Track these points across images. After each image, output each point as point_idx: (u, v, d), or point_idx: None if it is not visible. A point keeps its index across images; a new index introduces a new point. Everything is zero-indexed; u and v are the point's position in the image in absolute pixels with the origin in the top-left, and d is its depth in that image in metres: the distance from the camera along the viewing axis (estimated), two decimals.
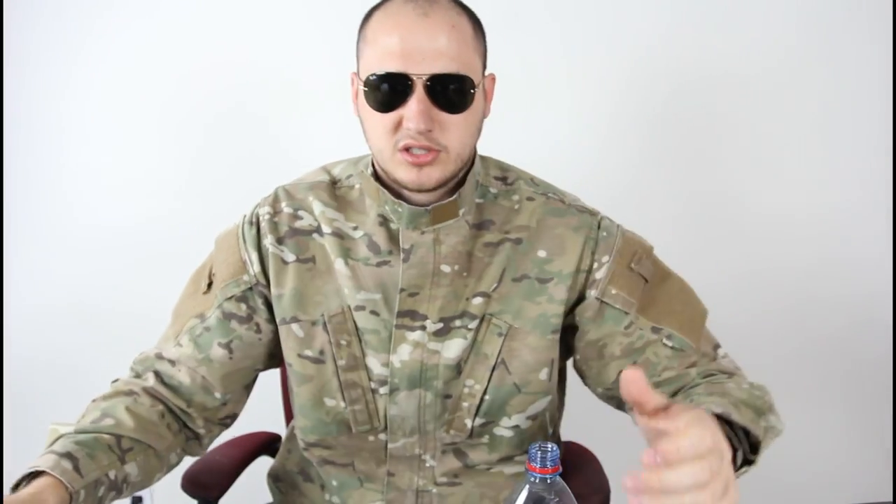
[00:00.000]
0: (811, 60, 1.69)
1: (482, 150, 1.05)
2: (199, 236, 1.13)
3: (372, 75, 0.87)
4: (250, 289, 0.99)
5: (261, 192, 1.05)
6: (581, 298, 0.99)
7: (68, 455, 0.83)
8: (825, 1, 1.66)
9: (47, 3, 1.56)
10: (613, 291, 0.97)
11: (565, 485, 0.73)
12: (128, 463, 0.89)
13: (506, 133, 1.47)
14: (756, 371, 1.81)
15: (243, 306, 1.00)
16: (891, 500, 1.82)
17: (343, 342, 0.97)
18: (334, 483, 1.04)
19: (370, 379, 0.97)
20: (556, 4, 1.62)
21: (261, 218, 1.00)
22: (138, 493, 1.30)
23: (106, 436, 0.89)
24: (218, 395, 1.01)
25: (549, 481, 0.71)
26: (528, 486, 0.71)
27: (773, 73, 1.69)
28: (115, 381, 1.02)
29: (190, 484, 1.15)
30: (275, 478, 1.15)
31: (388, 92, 0.86)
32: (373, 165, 0.97)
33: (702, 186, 1.75)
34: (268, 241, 0.99)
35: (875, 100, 1.71)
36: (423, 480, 1.01)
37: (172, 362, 1.00)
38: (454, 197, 0.94)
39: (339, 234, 0.99)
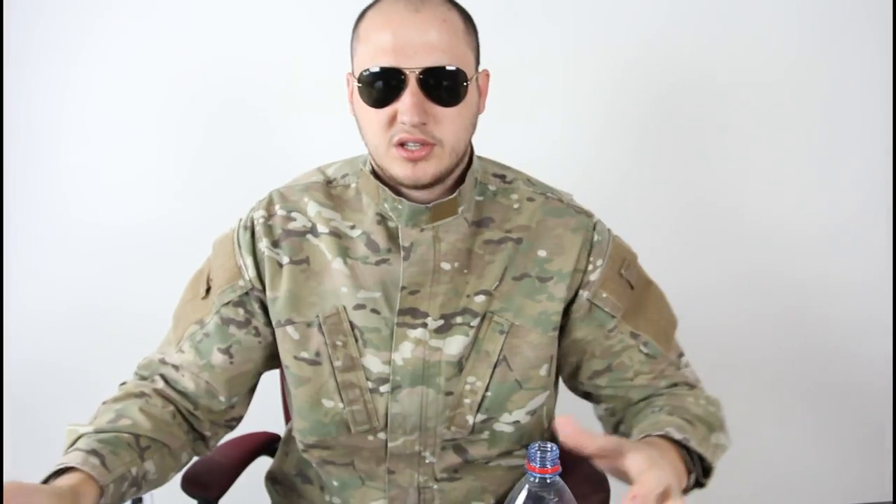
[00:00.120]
0: (810, 60, 1.69)
1: (480, 150, 1.05)
2: (199, 236, 1.13)
3: (365, 71, 0.88)
4: (246, 293, 1.00)
5: (260, 192, 1.05)
6: (573, 297, 1.00)
7: (94, 452, 0.86)
8: (824, 1, 1.66)
9: (47, 3, 1.56)
10: (604, 295, 1.00)
11: (565, 484, 0.73)
12: (147, 461, 0.92)
13: (505, 132, 1.47)
14: (756, 371, 1.83)
15: (241, 311, 1.00)
16: (891, 500, 1.81)
17: (339, 343, 0.97)
18: (335, 483, 1.05)
19: (368, 378, 0.97)
20: (556, 5, 1.62)
21: (255, 222, 1.01)
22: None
23: (125, 435, 0.91)
24: (223, 398, 1.02)
25: (548, 481, 0.71)
26: (527, 486, 0.72)
27: (772, 74, 1.68)
28: (123, 384, 1.03)
29: (190, 484, 1.15)
30: (273, 480, 1.15)
31: (381, 87, 0.87)
32: (371, 164, 0.97)
33: (699, 187, 1.74)
34: (263, 244, 0.99)
35: (875, 101, 1.71)
36: (423, 477, 1.01)
37: (176, 367, 1.01)
38: (454, 195, 0.94)
39: (336, 234, 0.99)
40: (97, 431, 0.90)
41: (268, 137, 1.64)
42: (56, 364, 1.69)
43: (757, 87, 1.69)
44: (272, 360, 1.05)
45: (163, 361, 1.02)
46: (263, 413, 1.29)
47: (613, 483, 1.14)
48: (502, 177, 1.03)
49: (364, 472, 1.02)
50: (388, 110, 0.88)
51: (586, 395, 1.09)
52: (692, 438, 0.89)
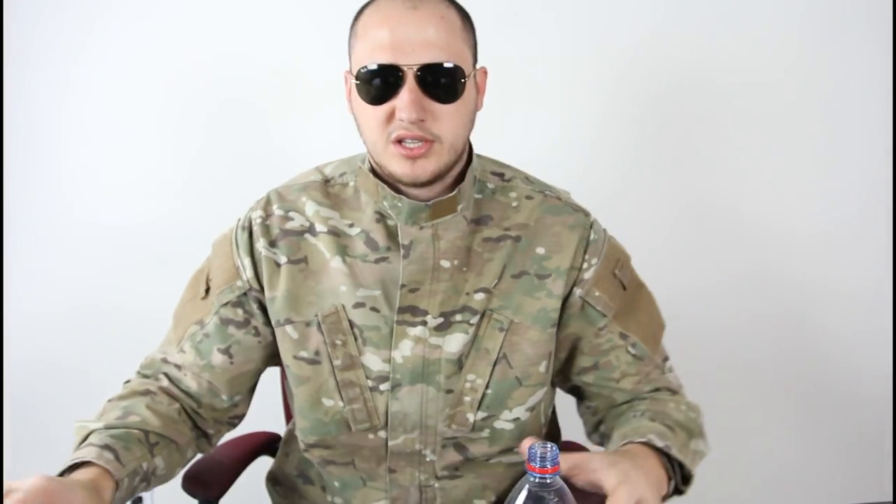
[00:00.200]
0: (810, 60, 1.69)
1: (480, 149, 1.05)
2: (199, 236, 1.13)
3: (363, 68, 0.88)
4: (244, 294, 1.00)
5: (260, 192, 1.05)
6: (568, 293, 1.01)
7: (107, 447, 0.87)
8: (824, 1, 1.66)
9: (47, 3, 1.56)
10: (597, 293, 1.01)
11: (564, 484, 0.73)
12: (156, 456, 0.93)
13: (505, 132, 1.47)
14: (756, 371, 1.83)
15: (240, 311, 1.01)
16: (891, 500, 1.82)
17: (338, 342, 0.97)
18: (336, 484, 1.05)
19: (368, 377, 0.97)
20: (556, 5, 1.62)
21: (253, 222, 1.01)
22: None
23: (135, 431, 0.92)
24: (225, 397, 1.03)
25: (548, 481, 0.71)
26: (527, 486, 0.72)
27: (773, 74, 1.69)
28: (127, 382, 1.04)
29: (190, 484, 1.15)
30: (273, 481, 1.15)
31: (379, 84, 0.87)
32: (370, 162, 0.97)
33: (698, 187, 1.75)
34: (260, 244, 1.00)
35: (875, 101, 1.71)
36: (424, 475, 1.01)
37: (178, 367, 1.02)
38: (454, 192, 0.94)
39: (335, 232, 0.99)
40: (107, 427, 0.91)
41: (268, 137, 1.65)
42: (56, 364, 1.69)
43: (757, 87, 1.69)
44: (273, 359, 1.05)
45: (165, 361, 1.03)
46: (264, 413, 1.29)
47: None
48: (501, 175, 1.03)
49: (365, 472, 1.02)
50: (385, 107, 0.88)
51: (572, 391, 1.10)
52: (673, 446, 0.90)
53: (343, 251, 0.98)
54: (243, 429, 1.24)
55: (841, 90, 1.70)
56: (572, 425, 1.18)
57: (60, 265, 1.66)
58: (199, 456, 1.13)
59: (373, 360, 0.97)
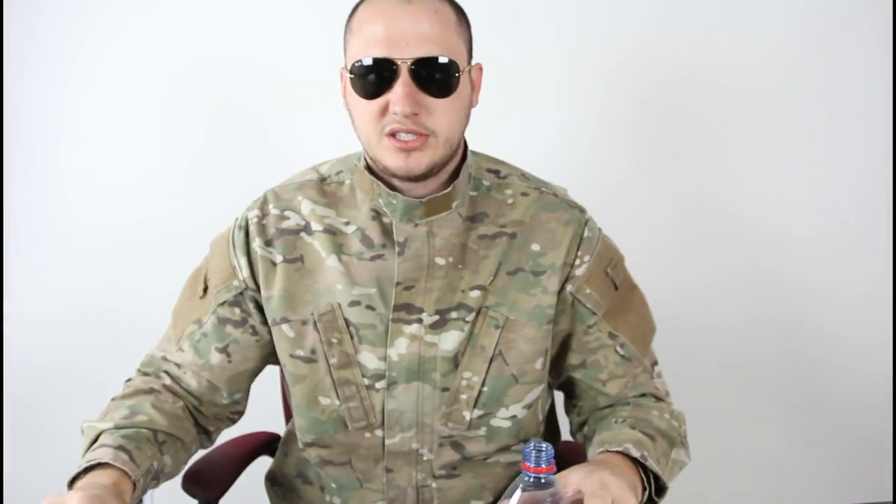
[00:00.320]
0: (810, 61, 1.69)
1: (478, 147, 1.05)
2: (199, 236, 1.13)
3: (357, 62, 0.88)
4: (241, 293, 1.01)
5: (260, 192, 1.05)
6: (560, 290, 1.01)
7: (121, 448, 0.88)
8: (824, 1, 1.66)
9: (47, 3, 1.56)
10: (587, 291, 1.00)
11: (559, 484, 0.73)
12: (165, 455, 0.94)
13: (504, 131, 1.47)
14: (756, 371, 1.83)
15: (237, 310, 1.01)
16: (891, 499, 1.82)
17: (334, 340, 0.98)
18: (333, 485, 1.05)
19: (364, 375, 0.98)
20: (555, 4, 1.62)
21: (249, 221, 1.01)
22: None
23: (144, 430, 0.93)
24: (225, 394, 1.04)
25: (543, 480, 0.71)
26: (522, 485, 0.72)
27: (772, 74, 1.68)
28: (129, 380, 1.04)
29: (190, 483, 1.15)
30: (272, 481, 1.15)
31: (373, 78, 0.88)
32: (365, 159, 0.97)
33: (698, 188, 1.74)
34: (256, 244, 1.00)
35: (875, 102, 1.71)
36: (421, 475, 1.01)
37: (178, 365, 1.03)
38: (449, 189, 0.94)
39: (331, 231, 0.99)
40: (117, 428, 0.92)
41: (267, 137, 1.64)
42: (56, 364, 1.69)
43: (757, 87, 1.69)
44: (271, 358, 1.06)
45: (165, 359, 1.04)
46: (264, 413, 1.29)
47: None
48: (496, 172, 1.03)
49: (362, 473, 1.02)
50: (380, 101, 0.88)
51: (562, 387, 1.10)
52: (650, 456, 0.90)
53: (338, 249, 0.98)
54: (243, 429, 1.24)
55: (841, 90, 1.70)
56: None
57: (60, 265, 1.66)
58: (198, 456, 1.13)
59: (369, 358, 0.97)
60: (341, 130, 1.07)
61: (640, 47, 1.66)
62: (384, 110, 0.88)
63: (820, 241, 1.76)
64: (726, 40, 1.66)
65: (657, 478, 0.90)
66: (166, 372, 1.03)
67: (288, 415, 1.37)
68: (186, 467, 1.14)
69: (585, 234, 1.01)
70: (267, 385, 1.28)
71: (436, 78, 0.87)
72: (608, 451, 0.90)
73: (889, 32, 1.67)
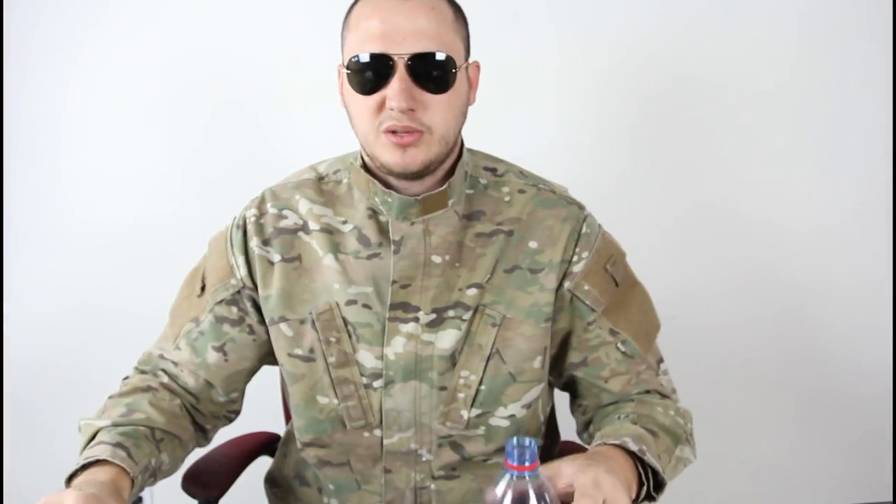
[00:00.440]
0: (810, 59, 1.69)
1: (478, 147, 1.05)
2: (198, 234, 1.13)
3: (354, 57, 0.88)
4: (238, 292, 1.01)
5: (259, 191, 1.05)
6: (558, 287, 1.00)
7: (119, 445, 0.88)
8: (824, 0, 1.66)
9: (47, 3, 1.56)
10: (586, 287, 1.00)
11: (546, 479, 0.72)
12: (162, 452, 0.94)
13: (504, 130, 1.47)
14: (756, 370, 1.83)
15: (234, 309, 1.01)
16: (891, 499, 1.82)
17: (332, 339, 0.97)
18: (331, 487, 1.04)
19: (362, 374, 0.98)
20: (555, 4, 1.62)
21: (247, 220, 1.01)
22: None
23: (142, 428, 0.93)
24: (221, 392, 1.03)
25: (527, 477, 0.70)
26: (508, 482, 0.70)
27: (772, 73, 1.68)
28: (126, 378, 1.04)
29: (190, 483, 1.15)
30: (271, 482, 1.15)
31: (370, 73, 0.87)
32: (362, 158, 0.97)
33: (698, 186, 1.74)
34: (253, 243, 1.00)
35: (875, 100, 1.71)
36: (420, 475, 1.01)
37: (175, 364, 1.03)
38: (444, 187, 0.94)
39: (328, 230, 0.99)
40: (115, 425, 0.92)
41: (267, 137, 1.65)
42: (56, 363, 1.69)
43: (756, 87, 1.69)
44: (268, 357, 1.06)
45: (162, 357, 1.04)
46: (263, 413, 1.29)
47: None
48: (493, 170, 1.03)
49: (360, 474, 1.02)
50: (376, 97, 0.88)
51: (566, 387, 1.09)
52: (648, 451, 0.88)
53: (335, 248, 0.98)
54: (243, 429, 1.24)
55: (840, 88, 1.70)
56: (573, 426, 1.18)
57: (60, 264, 1.67)
58: (198, 456, 1.13)
59: (366, 357, 0.97)
60: (340, 130, 1.08)
61: (639, 47, 1.66)
62: (381, 106, 0.88)
63: (820, 240, 1.76)
64: (725, 40, 1.66)
65: (656, 473, 0.88)
66: (163, 370, 1.03)
67: (288, 415, 1.37)
68: (186, 467, 1.15)
69: (584, 230, 1.01)
70: (267, 385, 1.28)
71: (432, 73, 0.87)
72: (606, 443, 0.89)
73: (889, 31, 1.67)
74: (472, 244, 0.98)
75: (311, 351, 0.98)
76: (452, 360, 0.97)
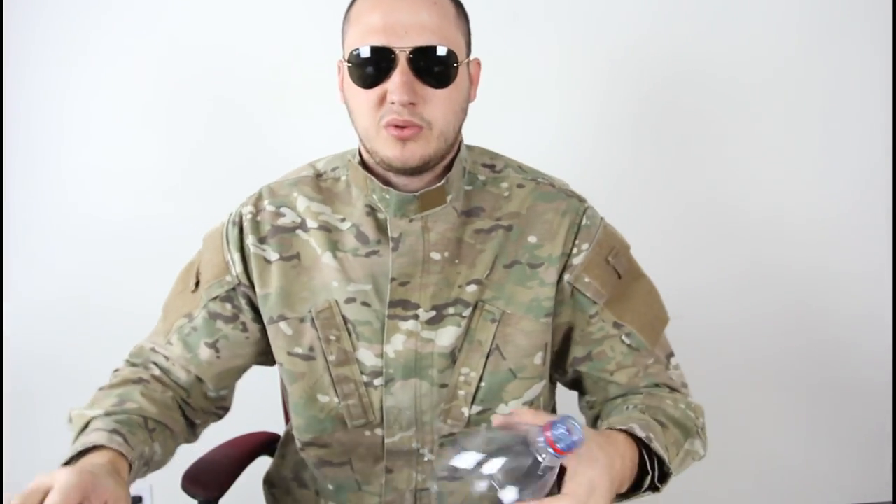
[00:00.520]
0: (810, 56, 1.69)
1: (479, 145, 1.05)
2: (198, 232, 1.13)
3: (355, 51, 0.87)
4: (233, 289, 1.00)
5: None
6: (558, 280, 0.99)
7: (115, 431, 0.87)
8: None
9: (47, 3, 1.56)
10: (586, 280, 0.98)
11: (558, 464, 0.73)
12: (155, 442, 0.93)
13: (504, 130, 1.47)
14: (756, 369, 1.82)
15: (228, 306, 1.01)
16: (891, 500, 1.82)
17: (332, 337, 0.97)
18: (330, 487, 1.04)
19: (362, 372, 0.97)
20: (555, 4, 1.62)
21: (243, 217, 1.01)
22: (137, 494, 1.29)
23: (135, 417, 0.92)
24: (212, 388, 1.03)
25: (558, 458, 0.71)
26: (533, 447, 0.71)
27: (773, 70, 1.69)
28: (117, 370, 1.04)
29: (190, 484, 1.15)
30: (269, 484, 1.15)
31: (371, 67, 0.87)
32: (360, 154, 0.97)
33: (698, 183, 1.75)
34: (250, 240, 0.99)
35: (875, 96, 1.71)
36: (421, 476, 1.00)
37: (167, 358, 1.02)
38: (442, 183, 0.94)
39: (326, 228, 0.98)
40: (108, 414, 0.91)
41: (266, 136, 1.65)
42: (55, 358, 1.70)
43: (757, 83, 1.69)
44: (261, 356, 1.05)
45: (154, 351, 1.03)
46: (263, 413, 1.29)
47: None
48: (492, 166, 1.02)
49: (361, 474, 1.01)
50: (377, 90, 0.87)
51: (572, 384, 1.08)
52: (656, 439, 0.86)
53: (334, 246, 0.98)
54: (243, 429, 1.24)
55: (839, 83, 1.71)
56: None
57: (60, 262, 1.67)
58: (198, 456, 1.13)
59: (366, 355, 0.97)
60: (339, 129, 1.08)
61: (638, 45, 1.66)
62: (382, 100, 0.87)
63: (822, 237, 1.77)
64: (725, 37, 1.67)
65: (662, 463, 0.87)
66: (155, 363, 1.02)
67: (287, 416, 1.37)
68: (186, 467, 1.15)
69: (584, 222, 1.00)
70: (267, 385, 1.28)
71: (434, 67, 0.87)
72: (612, 428, 0.87)
73: (889, 27, 1.68)
74: (471, 240, 0.97)
75: (311, 349, 0.98)
76: (452, 357, 0.97)
